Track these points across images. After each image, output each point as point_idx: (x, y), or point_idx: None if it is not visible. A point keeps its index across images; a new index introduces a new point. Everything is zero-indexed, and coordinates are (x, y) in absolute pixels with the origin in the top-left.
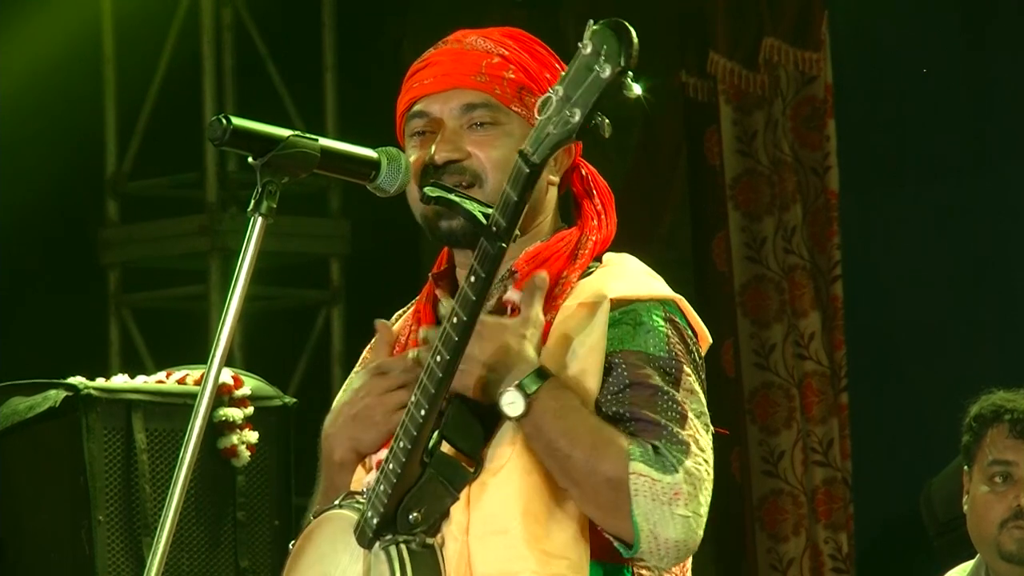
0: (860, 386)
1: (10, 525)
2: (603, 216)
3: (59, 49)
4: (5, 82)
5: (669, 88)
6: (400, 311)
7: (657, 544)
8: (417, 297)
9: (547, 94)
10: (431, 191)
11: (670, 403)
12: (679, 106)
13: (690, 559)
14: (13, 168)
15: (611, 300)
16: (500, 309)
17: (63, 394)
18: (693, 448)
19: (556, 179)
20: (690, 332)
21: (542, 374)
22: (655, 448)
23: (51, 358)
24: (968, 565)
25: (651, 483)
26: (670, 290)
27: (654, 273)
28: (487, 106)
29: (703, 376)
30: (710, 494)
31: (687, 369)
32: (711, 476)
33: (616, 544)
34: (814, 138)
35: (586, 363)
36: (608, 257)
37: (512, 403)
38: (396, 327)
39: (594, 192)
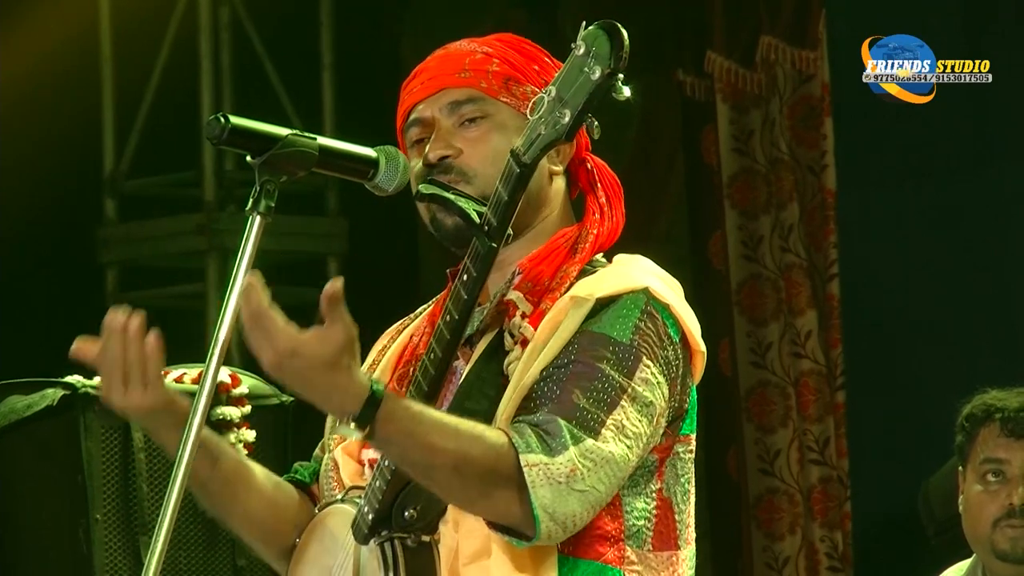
0: (856, 385)
1: (8, 524)
2: (607, 209)
3: (57, 48)
4: (3, 81)
5: (666, 87)
6: (410, 315)
7: (555, 523)
8: (436, 297)
9: (540, 94)
10: (425, 188)
11: (607, 388)
12: (676, 105)
13: (690, 560)
14: (11, 167)
15: (598, 299)
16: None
17: (61, 393)
18: (606, 431)
19: (559, 168)
20: (671, 331)
21: (374, 397)
22: (541, 430)
23: (49, 357)
24: (965, 564)
25: (545, 468)
26: (668, 293)
27: (665, 275)
28: (473, 100)
29: (675, 373)
30: (616, 480)
31: (646, 361)
32: (627, 462)
33: (508, 539)
34: (811, 137)
35: (547, 353)
36: (619, 257)
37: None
38: (411, 327)
39: (598, 186)
